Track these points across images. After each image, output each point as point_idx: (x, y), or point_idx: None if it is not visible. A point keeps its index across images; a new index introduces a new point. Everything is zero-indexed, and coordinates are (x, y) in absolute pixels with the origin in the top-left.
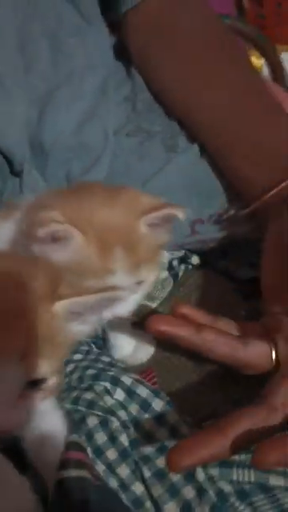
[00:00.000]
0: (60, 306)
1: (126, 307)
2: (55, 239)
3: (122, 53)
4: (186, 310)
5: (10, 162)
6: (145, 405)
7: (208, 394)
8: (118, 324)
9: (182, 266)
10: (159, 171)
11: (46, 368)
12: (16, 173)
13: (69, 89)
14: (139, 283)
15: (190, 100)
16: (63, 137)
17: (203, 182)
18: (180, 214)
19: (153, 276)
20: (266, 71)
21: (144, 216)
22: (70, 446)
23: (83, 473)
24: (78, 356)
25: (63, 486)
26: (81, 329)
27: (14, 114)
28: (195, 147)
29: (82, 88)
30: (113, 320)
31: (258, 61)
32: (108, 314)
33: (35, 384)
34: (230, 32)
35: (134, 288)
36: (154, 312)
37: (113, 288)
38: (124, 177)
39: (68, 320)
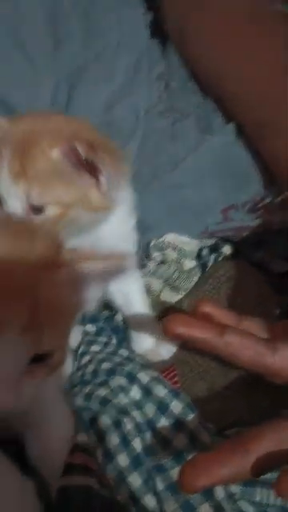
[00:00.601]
0: (63, 273)
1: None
2: None
3: (157, 31)
4: (209, 308)
5: None
6: (162, 406)
7: (234, 399)
8: (140, 316)
9: (213, 256)
10: (192, 153)
11: (50, 341)
12: None
13: (100, 67)
14: (37, 212)
15: (228, 73)
16: (92, 117)
17: (238, 166)
18: (80, 149)
19: (51, 209)
20: None
21: (61, 146)
22: (77, 448)
23: (89, 481)
24: (95, 347)
25: (66, 494)
26: (85, 298)
27: (41, 90)
28: (231, 128)
29: (114, 67)
30: (136, 314)
31: None
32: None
33: (40, 359)
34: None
35: (28, 214)
36: (174, 308)
37: (119, 256)
38: (154, 158)
39: (72, 289)
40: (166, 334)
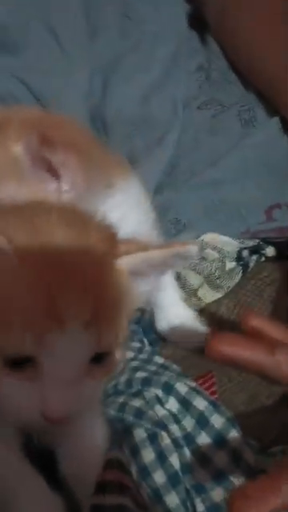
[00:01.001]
0: (124, 262)
1: None
2: None
3: (197, 21)
4: (257, 321)
5: None
6: (202, 420)
7: (278, 413)
8: (166, 295)
9: (254, 257)
10: (233, 147)
11: (110, 338)
12: None
13: (136, 57)
14: None
15: (270, 61)
16: (127, 109)
17: (283, 161)
18: (32, 142)
19: None
20: None
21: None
22: (111, 464)
23: (123, 500)
24: (128, 354)
25: None
26: (142, 291)
27: (75, 81)
28: (275, 121)
29: (151, 57)
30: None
31: None
32: None
33: (98, 359)
34: None
35: None
36: (208, 311)
37: (181, 243)
38: (193, 153)
39: (129, 282)
40: (209, 355)
